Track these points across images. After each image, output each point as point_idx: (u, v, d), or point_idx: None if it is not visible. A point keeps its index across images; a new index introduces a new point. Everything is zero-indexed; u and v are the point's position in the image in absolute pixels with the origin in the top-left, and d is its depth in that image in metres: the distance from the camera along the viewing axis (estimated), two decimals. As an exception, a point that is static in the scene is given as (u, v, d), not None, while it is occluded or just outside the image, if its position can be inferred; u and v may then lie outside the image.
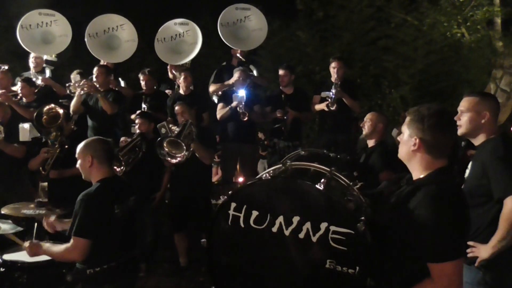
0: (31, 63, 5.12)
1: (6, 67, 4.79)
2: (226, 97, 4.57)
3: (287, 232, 1.68)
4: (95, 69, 4.59)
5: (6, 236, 2.65)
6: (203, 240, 1.83)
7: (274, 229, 1.69)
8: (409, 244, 1.54)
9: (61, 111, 3.89)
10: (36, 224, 2.99)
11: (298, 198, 1.70)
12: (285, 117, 4.56)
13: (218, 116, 4.60)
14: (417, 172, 1.64)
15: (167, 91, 5.21)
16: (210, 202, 4.31)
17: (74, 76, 5.22)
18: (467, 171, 2.27)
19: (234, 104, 4.40)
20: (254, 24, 5.17)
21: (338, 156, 2.73)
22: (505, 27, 7.61)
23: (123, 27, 5.18)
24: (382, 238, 1.62)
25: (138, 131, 4.09)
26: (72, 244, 2.24)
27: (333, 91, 4.35)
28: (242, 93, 4.38)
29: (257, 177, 2.05)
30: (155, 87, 5.10)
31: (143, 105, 4.55)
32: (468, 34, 7.68)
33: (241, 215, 1.74)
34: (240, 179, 4.32)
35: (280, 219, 1.68)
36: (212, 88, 5.01)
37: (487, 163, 2.13)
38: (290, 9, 8.99)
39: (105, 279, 2.32)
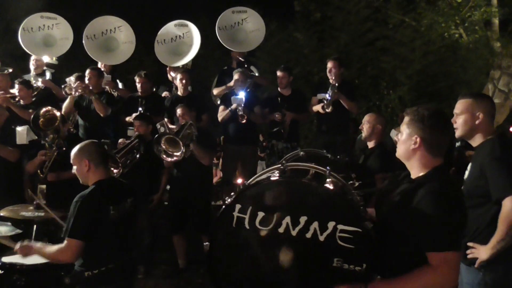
0: (32, 66, 5.14)
1: (10, 70, 4.82)
2: (227, 100, 4.59)
3: (294, 233, 1.67)
4: (87, 72, 4.65)
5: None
6: (206, 243, 1.82)
7: (281, 230, 1.69)
8: (409, 238, 1.59)
9: (57, 113, 3.90)
10: (35, 226, 2.98)
11: (305, 198, 1.70)
12: (283, 119, 4.57)
13: (219, 118, 4.62)
14: (416, 170, 1.69)
15: (165, 93, 5.21)
16: (209, 203, 4.30)
17: (70, 79, 5.23)
18: (467, 173, 2.28)
19: (233, 106, 4.41)
20: (252, 26, 5.21)
21: (337, 157, 2.73)
22: (503, 28, 7.63)
23: (121, 29, 5.21)
24: (384, 234, 1.66)
25: (136, 133, 4.09)
26: (65, 245, 2.24)
27: (330, 92, 4.36)
28: (241, 95, 4.39)
29: (255, 177, 2.04)
30: (153, 89, 5.11)
31: (139, 108, 4.55)
32: (466, 35, 7.70)
33: (246, 217, 1.72)
34: (239, 181, 4.32)
35: (287, 219, 1.68)
36: (215, 91, 5.05)
37: (485, 164, 2.14)
38: (288, 10, 9.02)
39: (103, 281, 2.31)
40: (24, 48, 5.13)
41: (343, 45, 8.47)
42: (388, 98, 8.06)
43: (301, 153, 2.64)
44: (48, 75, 5.15)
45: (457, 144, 3.48)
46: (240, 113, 4.36)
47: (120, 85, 5.42)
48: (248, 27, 5.20)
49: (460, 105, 2.26)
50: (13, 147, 4.03)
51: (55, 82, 5.15)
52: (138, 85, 4.79)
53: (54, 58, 5.37)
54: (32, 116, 3.92)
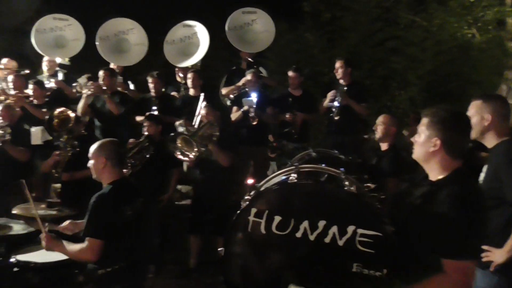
0: (45, 66, 5.22)
1: (28, 71, 4.91)
2: (240, 101, 4.59)
3: (312, 237, 1.64)
4: (100, 72, 4.69)
5: (34, 216, 2.60)
6: (220, 249, 1.78)
7: (299, 234, 1.65)
8: (427, 242, 1.54)
9: (72, 114, 3.96)
10: (47, 224, 3.01)
11: (324, 202, 1.66)
12: (294, 120, 4.56)
13: (233, 119, 4.63)
14: (435, 172, 1.65)
15: (173, 93, 5.24)
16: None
17: (82, 79, 5.29)
18: (482, 174, 2.25)
19: (245, 108, 4.41)
20: (261, 27, 5.21)
21: (350, 158, 2.71)
22: (516, 28, 7.51)
23: (133, 31, 5.26)
24: (405, 238, 1.61)
25: (146, 133, 4.11)
26: (87, 245, 2.28)
27: (338, 99, 4.34)
28: (252, 97, 4.38)
29: (267, 179, 2.03)
30: (163, 90, 5.14)
31: (154, 108, 4.58)
32: (479, 35, 7.59)
33: (263, 221, 1.69)
34: (250, 181, 4.30)
35: (305, 224, 1.64)
36: (223, 91, 5.04)
37: (500, 166, 2.12)
38: (297, 11, 8.99)
39: (116, 279, 2.34)
40: (37, 49, 5.21)
41: (353, 45, 8.42)
42: (398, 98, 7.99)
43: (313, 153, 2.63)
44: (60, 75, 5.21)
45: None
46: (251, 115, 4.36)
47: (131, 86, 5.47)
48: (258, 28, 5.21)
49: (471, 107, 2.25)
50: (24, 147, 4.08)
51: (68, 82, 5.22)
52: (151, 86, 4.80)
53: (66, 59, 5.44)
54: (47, 117, 3.98)
